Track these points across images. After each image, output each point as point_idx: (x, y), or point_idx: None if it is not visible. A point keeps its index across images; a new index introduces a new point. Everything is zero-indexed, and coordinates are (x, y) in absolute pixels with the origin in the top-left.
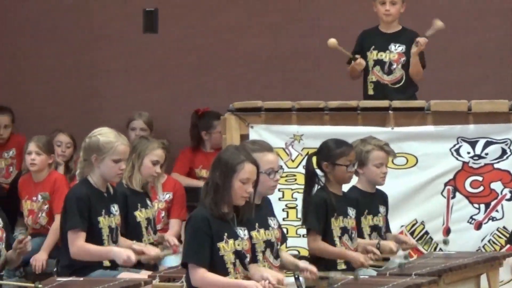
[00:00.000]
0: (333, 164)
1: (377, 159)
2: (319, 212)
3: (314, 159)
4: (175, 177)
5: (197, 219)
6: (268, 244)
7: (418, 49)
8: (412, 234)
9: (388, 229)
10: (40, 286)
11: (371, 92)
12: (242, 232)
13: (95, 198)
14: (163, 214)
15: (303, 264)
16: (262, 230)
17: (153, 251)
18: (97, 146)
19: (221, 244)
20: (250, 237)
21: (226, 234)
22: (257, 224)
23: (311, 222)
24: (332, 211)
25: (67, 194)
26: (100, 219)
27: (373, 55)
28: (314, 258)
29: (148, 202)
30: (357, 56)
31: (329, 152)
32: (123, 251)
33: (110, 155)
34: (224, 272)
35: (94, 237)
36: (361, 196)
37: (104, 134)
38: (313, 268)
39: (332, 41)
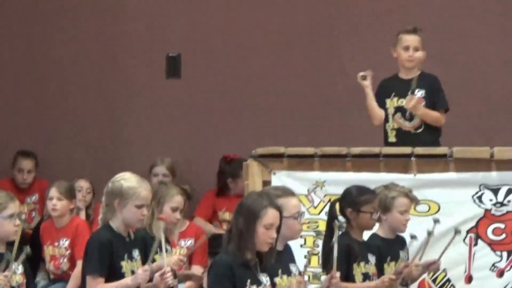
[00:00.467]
0: (357, 211)
1: (402, 206)
2: (342, 256)
3: (337, 205)
4: (197, 221)
5: (221, 265)
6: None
7: (413, 108)
8: (434, 281)
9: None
10: None
11: (392, 139)
12: (264, 278)
13: (117, 243)
14: (184, 260)
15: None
16: (285, 277)
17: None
18: (120, 191)
19: None
20: (273, 284)
21: (249, 280)
22: (280, 271)
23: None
24: (355, 256)
25: (89, 239)
26: (123, 263)
27: (393, 102)
28: None
29: (168, 247)
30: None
31: (353, 199)
32: (136, 274)
33: (133, 200)
34: None
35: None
36: (382, 243)
37: (127, 179)
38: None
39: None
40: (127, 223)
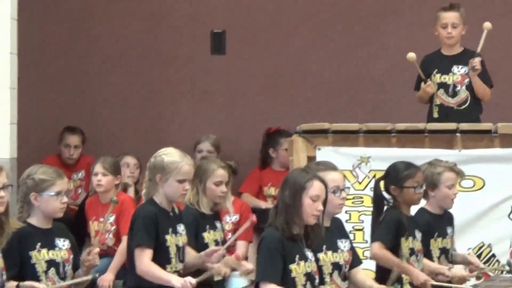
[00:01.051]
0: (400, 187)
1: (449, 180)
2: (391, 228)
3: (381, 183)
4: (244, 197)
5: (271, 239)
6: (336, 266)
7: (476, 72)
8: (479, 256)
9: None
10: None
11: (436, 115)
12: (309, 254)
13: (162, 217)
14: (229, 235)
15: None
16: (329, 253)
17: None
18: (161, 166)
19: (293, 266)
20: (317, 259)
21: (297, 256)
22: (324, 246)
23: (381, 235)
24: (403, 230)
25: (134, 213)
26: (167, 237)
27: (436, 78)
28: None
29: (218, 224)
30: (428, 80)
31: (396, 175)
32: (182, 280)
33: (175, 175)
34: None
35: (162, 255)
36: (431, 219)
37: (169, 154)
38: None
39: (412, 55)
40: (169, 198)
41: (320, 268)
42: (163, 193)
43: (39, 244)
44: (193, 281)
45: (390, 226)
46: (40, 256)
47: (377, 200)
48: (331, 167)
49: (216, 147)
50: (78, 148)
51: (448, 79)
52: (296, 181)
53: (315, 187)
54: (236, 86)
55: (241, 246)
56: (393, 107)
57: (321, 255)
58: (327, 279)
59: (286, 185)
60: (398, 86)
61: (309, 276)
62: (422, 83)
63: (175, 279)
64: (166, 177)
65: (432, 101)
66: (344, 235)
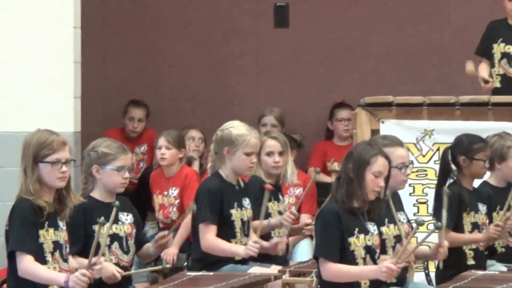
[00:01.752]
0: (471, 158)
1: None
2: (452, 207)
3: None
4: (312, 171)
5: (328, 213)
6: (398, 239)
7: None
8: None
9: None
10: (168, 266)
11: (497, 84)
12: (372, 227)
13: (227, 191)
14: (293, 208)
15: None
16: (391, 226)
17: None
18: (229, 139)
19: (352, 239)
20: (380, 233)
21: (357, 229)
22: (386, 220)
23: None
24: (465, 205)
25: (199, 187)
26: (233, 211)
27: (500, 47)
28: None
29: (280, 196)
30: (489, 79)
31: (467, 147)
32: (248, 246)
33: (243, 148)
34: None
35: (227, 229)
36: (493, 192)
37: (237, 127)
38: (443, 241)
39: (470, 68)
40: (236, 171)
41: (383, 242)
42: (230, 167)
43: (102, 218)
44: (257, 247)
45: (451, 206)
46: (103, 230)
47: (444, 169)
48: (397, 142)
49: (280, 121)
50: (142, 121)
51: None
52: (360, 156)
53: (378, 163)
54: (299, 59)
55: (304, 219)
56: (457, 79)
57: (383, 229)
58: (390, 252)
59: (350, 158)
60: (462, 58)
61: (369, 250)
62: (482, 83)
63: (242, 249)
64: (234, 150)
65: (491, 71)
66: (402, 208)
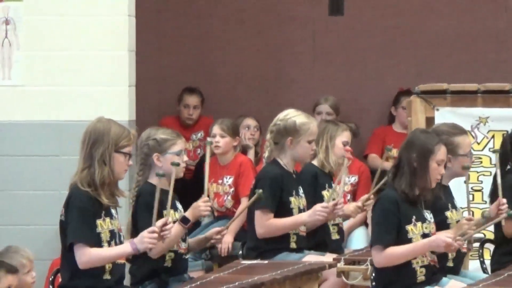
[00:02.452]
0: None
1: None
2: None
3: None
4: (372, 158)
5: (387, 200)
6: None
7: None
8: None
9: None
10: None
11: None
12: (428, 215)
13: (286, 178)
14: (348, 197)
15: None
16: (454, 211)
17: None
18: (294, 128)
19: (409, 227)
20: (445, 218)
21: (414, 217)
22: (449, 205)
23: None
24: None
25: (259, 174)
26: (292, 199)
27: None
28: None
29: (332, 184)
30: None
31: None
32: (310, 211)
33: (307, 136)
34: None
35: (285, 217)
36: None
37: (298, 116)
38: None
39: None
40: (298, 159)
41: (447, 226)
42: (290, 155)
43: (168, 205)
44: (323, 204)
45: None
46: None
47: (504, 156)
48: (464, 130)
49: (335, 109)
50: (197, 108)
51: None
52: (424, 145)
53: (442, 152)
54: (354, 47)
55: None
56: None
57: (448, 213)
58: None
59: (412, 147)
60: None
61: (426, 237)
62: None
63: (306, 215)
64: (298, 139)
65: None
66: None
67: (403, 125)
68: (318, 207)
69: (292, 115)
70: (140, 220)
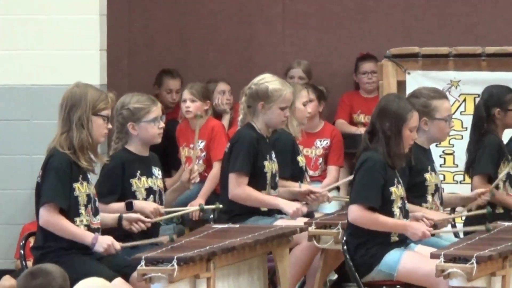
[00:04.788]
0: (505, 110)
1: None
2: (493, 156)
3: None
4: (340, 124)
5: (375, 161)
6: (437, 188)
7: None
8: None
9: None
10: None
11: None
12: (401, 179)
13: (261, 142)
14: (320, 160)
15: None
16: (433, 174)
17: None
18: (265, 93)
19: (393, 189)
20: (424, 179)
21: (395, 179)
22: (429, 167)
23: (485, 165)
24: (502, 156)
25: (234, 136)
26: (266, 163)
27: None
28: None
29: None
30: None
31: (500, 98)
32: (292, 203)
33: (279, 103)
34: (391, 216)
35: (259, 180)
36: None
37: (272, 82)
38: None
39: None
40: (270, 125)
41: (425, 188)
42: (263, 120)
43: (139, 171)
44: (305, 210)
45: (493, 155)
46: (140, 184)
47: (479, 122)
48: (443, 95)
49: (308, 73)
50: (178, 92)
51: None
52: (397, 113)
53: (414, 118)
54: (326, 10)
55: (331, 171)
56: (484, 29)
57: (427, 175)
58: (429, 198)
59: (385, 116)
60: (489, 9)
61: (403, 201)
62: None
63: (283, 203)
64: (270, 105)
65: None
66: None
67: (365, 90)
68: (298, 204)
69: (266, 80)
70: (101, 184)
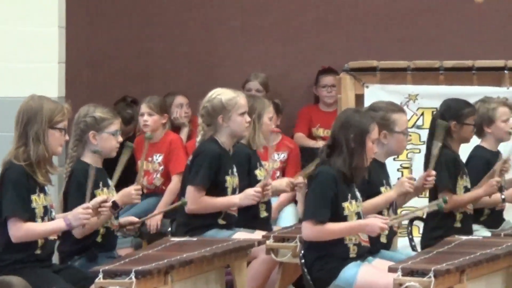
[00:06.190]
0: (462, 123)
1: (504, 115)
2: (450, 170)
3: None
4: (298, 137)
5: (327, 175)
6: (392, 202)
7: None
8: None
9: None
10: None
11: None
12: (358, 194)
13: (224, 157)
14: (278, 174)
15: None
16: (388, 188)
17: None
18: (221, 106)
19: (346, 204)
20: (379, 193)
21: (349, 195)
22: (384, 181)
23: (445, 181)
24: (459, 169)
25: (197, 150)
26: (227, 178)
27: None
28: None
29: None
30: None
31: (457, 112)
32: (247, 192)
33: (236, 110)
34: None
35: (220, 195)
36: (490, 155)
37: (223, 93)
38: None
39: None
40: (235, 135)
41: None
42: (227, 132)
43: (100, 182)
44: (253, 191)
45: (449, 169)
46: (103, 194)
47: (432, 137)
48: (401, 108)
49: (265, 86)
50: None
51: None
52: (360, 125)
53: (376, 131)
54: (286, 24)
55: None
56: (443, 44)
57: (383, 189)
58: (385, 213)
59: (348, 127)
60: (449, 23)
61: (359, 216)
62: None
63: (239, 197)
64: (228, 115)
65: None
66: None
67: (325, 104)
68: (250, 191)
69: (217, 93)
70: (71, 199)
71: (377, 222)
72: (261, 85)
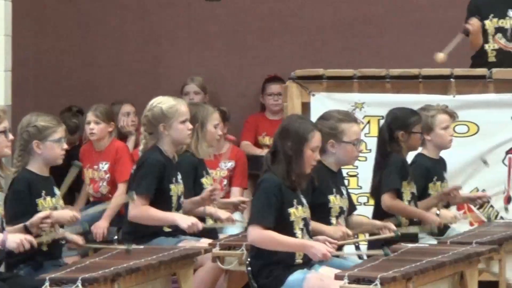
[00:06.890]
0: (409, 132)
1: (443, 122)
2: (400, 173)
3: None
4: (245, 145)
5: (271, 183)
6: (342, 210)
7: None
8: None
9: None
10: (131, 248)
11: (492, 59)
12: (303, 200)
13: (167, 165)
14: (225, 182)
15: (380, 223)
16: (338, 196)
17: (224, 215)
18: (162, 115)
19: (292, 210)
20: (327, 201)
21: (295, 200)
22: (334, 190)
23: (393, 181)
24: (407, 175)
25: (141, 158)
26: (172, 186)
27: (493, 23)
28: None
29: (210, 170)
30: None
31: (404, 121)
32: (188, 217)
33: (177, 117)
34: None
35: (165, 204)
36: (430, 163)
37: (164, 102)
38: (390, 225)
39: (441, 57)
40: (177, 143)
41: (328, 210)
42: (169, 141)
43: (44, 191)
44: (200, 225)
45: (397, 171)
46: (45, 203)
47: (383, 144)
48: (353, 118)
49: (203, 88)
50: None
51: (505, 23)
52: (298, 133)
53: (316, 138)
54: (232, 32)
55: (235, 193)
56: (389, 52)
57: (331, 197)
58: (334, 221)
59: (286, 135)
60: (395, 31)
61: (305, 221)
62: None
63: (179, 218)
64: (169, 123)
65: (484, 46)
66: (343, 182)
67: (271, 112)
68: (193, 219)
69: (158, 102)
70: (8, 207)
71: (322, 249)
72: (199, 87)
